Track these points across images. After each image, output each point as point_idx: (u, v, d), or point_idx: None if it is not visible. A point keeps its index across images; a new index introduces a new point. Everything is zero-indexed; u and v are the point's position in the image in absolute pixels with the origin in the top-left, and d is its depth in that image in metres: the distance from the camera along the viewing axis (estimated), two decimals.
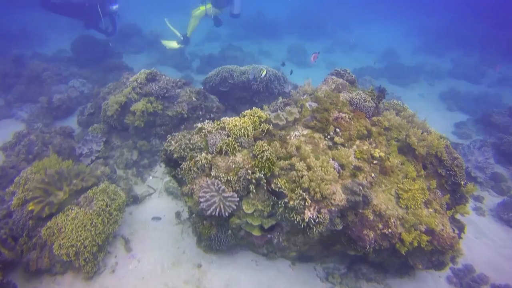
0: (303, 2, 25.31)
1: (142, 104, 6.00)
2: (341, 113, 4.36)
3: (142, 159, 6.61)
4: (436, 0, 27.79)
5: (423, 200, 4.21)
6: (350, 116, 4.43)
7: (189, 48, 15.64)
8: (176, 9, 23.60)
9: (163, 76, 6.66)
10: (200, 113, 6.58)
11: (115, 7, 10.39)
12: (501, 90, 14.13)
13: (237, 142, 4.05)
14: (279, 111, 4.66)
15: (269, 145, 3.97)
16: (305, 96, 5.31)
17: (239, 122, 4.16)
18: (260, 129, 4.18)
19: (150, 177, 6.35)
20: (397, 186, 4.28)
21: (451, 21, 22.90)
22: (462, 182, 4.53)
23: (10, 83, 9.28)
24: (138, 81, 6.18)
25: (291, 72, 8.43)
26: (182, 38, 10.77)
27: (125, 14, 18.01)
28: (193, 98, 6.48)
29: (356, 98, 4.68)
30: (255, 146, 3.94)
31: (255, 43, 17.68)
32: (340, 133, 4.21)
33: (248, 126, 4.15)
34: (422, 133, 4.80)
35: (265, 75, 7.29)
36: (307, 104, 4.77)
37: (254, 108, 4.56)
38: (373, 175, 4.05)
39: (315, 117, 4.38)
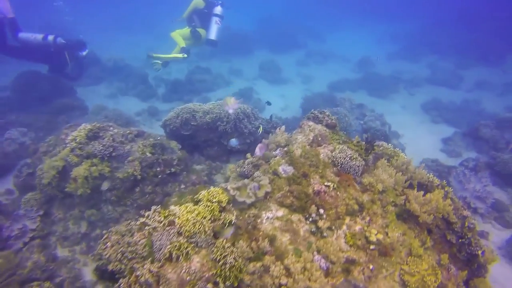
0: (271, 14, 24.70)
1: (84, 169, 4.90)
2: (323, 186, 3.43)
3: (93, 230, 5.48)
4: (406, 6, 27.75)
5: (436, 285, 3.33)
6: (335, 185, 3.50)
7: (154, 72, 14.56)
8: (134, 31, 22.53)
9: (110, 129, 5.57)
10: (158, 169, 5.53)
11: (84, 52, 9.31)
12: (480, 94, 13.81)
13: (191, 243, 3.04)
14: (246, 182, 3.68)
15: (234, 245, 2.99)
16: (277, 152, 4.37)
17: (193, 214, 3.16)
18: (221, 222, 3.19)
19: None
20: (401, 268, 3.38)
21: (423, 26, 22.75)
22: (479, 252, 3.68)
23: None
24: (78, 140, 5.07)
25: (269, 103, 7.53)
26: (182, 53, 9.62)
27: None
28: (147, 153, 5.42)
29: (340, 157, 3.78)
30: (215, 248, 2.95)
31: (224, 61, 16.74)
32: (324, 214, 3.27)
33: (205, 217, 3.15)
34: (424, 194, 3.94)
35: (234, 116, 6.36)
36: (280, 169, 3.82)
37: (212, 188, 3.56)
38: (371, 267, 3.12)
39: (292, 192, 3.43)
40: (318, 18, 27.12)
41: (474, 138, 9.56)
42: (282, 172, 3.79)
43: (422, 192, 3.73)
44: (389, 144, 4.77)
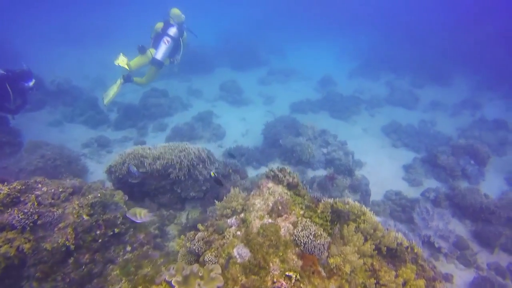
0: (232, 27, 24.39)
1: None
2: (283, 282, 2.92)
3: None
4: (361, 20, 28.72)
5: None
6: (297, 276, 3.02)
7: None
8: (83, 43, 21.07)
9: (38, 186, 4.71)
10: (98, 232, 4.76)
11: (31, 83, 8.24)
12: (434, 115, 14.38)
13: None
14: (194, 270, 3.09)
15: None
16: (233, 221, 3.83)
17: None
18: None
19: None
20: None
21: (378, 42, 23.60)
22: None
23: None
24: None
25: (233, 156, 6.97)
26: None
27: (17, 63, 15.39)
28: (84, 216, 4.64)
29: (303, 236, 3.32)
30: None
31: (183, 80, 16.02)
32: None
33: None
34: (393, 264, 3.61)
35: (187, 161, 5.75)
36: (235, 253, 3.28)
37: None
38: None
39: (246, 287, 2.90)
40: (279, 31, 27.31)
41: (433, 165, 9.69)
42: (237, 257, 3.25)
43: (393, 274, 3.35)
44: (355, 203, 4.41)
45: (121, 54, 8.68)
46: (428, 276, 3.82)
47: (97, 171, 8.45)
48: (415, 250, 4.14)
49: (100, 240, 4.77)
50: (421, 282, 3.38)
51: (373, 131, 12.57)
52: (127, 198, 5.64)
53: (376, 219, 6.33)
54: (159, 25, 9.34)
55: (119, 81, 8.89)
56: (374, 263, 3.61)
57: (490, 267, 6.59)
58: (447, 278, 6.17)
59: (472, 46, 20.17)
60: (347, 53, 23.78)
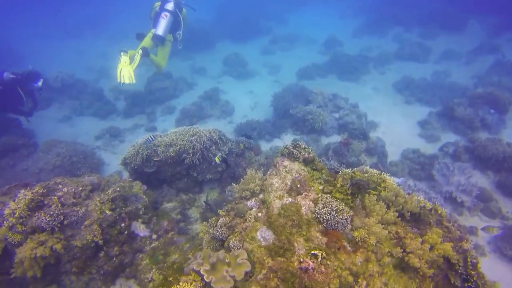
0: (228, 1, 23.36)
1: (30, 250, 4.17)
2: (310, 263, 2.93)
3: None
4: None
5: None
6: (323, 254, 3.02)
7: (113, 82, 13.41)
8: (82, 36, 20.64)
9: (59, 187, 4.80)
10: (123, 225, 4.87)
11: (40, 82, 8.23)
12: (448, 65, 13.77)
13: None
14: (221, 257, 3.14)
15: None
16: (252, 203, 3.83)
17: None
18: None
19: None
20: None
21: None
22: None
23: None
24: (17, 214, 4.29)
25: (249, 137, 6.82)
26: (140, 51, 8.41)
27: (21, 63, 15.26)
28: (107, 211, 4.74)
29: (325, 213, 3.28)
30: None
31: (185, 59, 15.67)
32: None
33: None
34: (418, 229, 3.58)
35: (199, 146, 5.72)
36: (259, 236, 3.30)
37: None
38: None
39: (275, 272, 2.93)
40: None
41: (450, 119, 9.41)
42: (262, 240, 3.27)
43: (419, 240, 3.32)
44: (374, 170, 4.32)
45: (122, 54, 7.74)
46: (454, 237, 3.78)
47: (113, 162, 8.56)
48: (439, 211, 4.08)
49: (126, 232, 4.90)
50: (448, 246, 3.35)
51: (385, 90, 12.20)
52: (145, 187, 5.72)
53: (396, 182, 6.27)
54: (157, 4, 9.03)
55: (138, 56, 8.04)
56: (399, 230, 3.58)
57: None
58: (472, 231, 6.15)
59: None
60: (351, 12, 22.61)
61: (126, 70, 7.53)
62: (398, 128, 9.63)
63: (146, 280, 4.47)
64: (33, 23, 22.91)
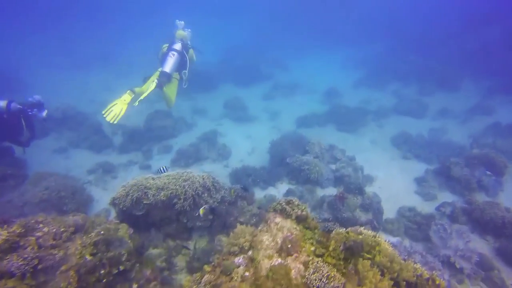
0: (236, 43, 24.50)
1: None
2: None
3: None
4: (363, 31, 28.57)
5: None
6: None
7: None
8: (89, 68, 21.32)
9: (39, 227, 4.57)
10: (102, 272, 4.57)
11: (44, 113, 8.33)
12: (444, 123, 13.96)
13: None
14: None
15: None
16: (240, 261, 3.63)
17: None
18: None
19: None
20: None
21: (382, 52, 23.40)
22: None
23: None
24: None
25: (247, 190, 6.65)
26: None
27: (25, 91, 15.54)
28: (87, 256, 4.47)
29: (315, 279, 3.09)
30: None
31: (187, 99, 15.96)
32: None
33: None
34: None
35: (191, 191, 5.60)
36: None
37: None
38: None
39: None
40: (282, 46, 27.27)
41: (446, 178, 9.35)
42: None
43: None
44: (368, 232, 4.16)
45: (128, 91, 7.87)
46: None
47: (103, 198, 8.34)
48: (437, 282, 3.86)
49: (104, 280, 4.58)
50: None
51: (382, 143, 12.29)
52: (132, 231, 5.46)
53: (392, 243, 6.06)
54: (165, 45, 9.48)
55: (153, 84, 8.28)
56: None
57: None
58: None
59: (480, 49, 19.72)
60: (352, 64, 23.60)
61: (118, 108, 7.57)
62: (395, 183, 9.54)
63: None
64: (39, 53, 23.69)
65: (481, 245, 7.15)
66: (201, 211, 5.30)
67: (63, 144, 11.20)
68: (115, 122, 7.48)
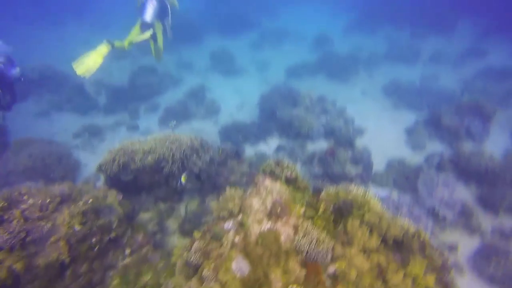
0: None
1: None
2: None
3: None
4: None
5: None
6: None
7: (94, 75, 12.84)
8: (62, 23, 19.75)
9: (23, 199, 4.47)
10: (93, 240, 4.59)
11: (17, 70, 7.39)
12: (437, 68, 13.69)
13: None
14: None
15: None
16: (230, 225, 3.63)
17: None
18: None
19: None
20: None
21: None
22: None
23: None
24: None
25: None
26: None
27: None
28: (76, 226, 4.45)
29: (304, 244, 3.11)
30: None
31: (171, 52, 15.16)
32: None
33: None
34: (400, 258, 3.45)
35: (179, 153, 5.47)
36: (234, 266, 3.10)
37: None
38: None
39: None
40: None
41: (436, 127, 9.38)
42: (237, 271, 3.07)
43: (401, 274, 3.19)
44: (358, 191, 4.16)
45: (105, 42, 6.89)
46: (436, 266, 3.67)
47: (91, 163, 8.19)
48: (422, 237, 3.97)
49: (96, 248, 4.62)
50: (430, 280, 3.23)
51: (373, 93, 12.09)
52: (121, 197, 5.42)
53: (381, 197, 6.16)
54: None
55: (148, 33, 7.61)
56: (381, 259, 3.44)
57: (494, 232, 6.51)
58: (452, 248, 6.12)
59: None
60: (343, 7, 22.36)
61: (91, 60, 6.63)
62: (385, 134, 9.54)
63: None
64: (12, 8, 21.79)
65: (465, 193, 7.37)
66: (182, 178, 5.20)
67: (44, 107, 10.74)
68: (87, 77, 6.75)
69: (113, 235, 4.81)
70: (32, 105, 10.85)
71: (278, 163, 4.06)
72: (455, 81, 12.58)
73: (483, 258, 5.75)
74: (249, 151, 8.72)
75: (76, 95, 10.90)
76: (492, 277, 5.55)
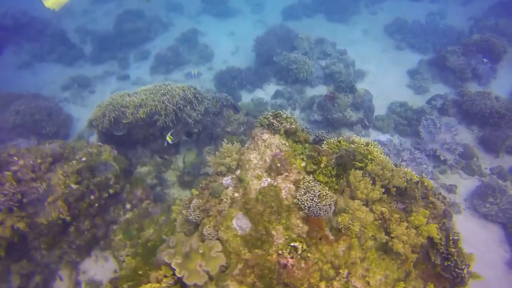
0: None
1: None
2: (289, 259, 2.72)
3: (30, 279, 4.65)
4: None
5: None
6: (304, 247, 2.82)
7: (77, 21, 12.02)
8: None
9: (14, 160, 4.30)
10: (92, 197, 4.54)
11: None
12: (444, 4, 12.75)
13: None
14: (194, 246, 2.91)
15: None
16: (228, 181, 3.53)
17: None
18: None
19: None
20: None
21: None
22: (464, 273, 3.34)
23: None
24: None
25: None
26: None
27: None
28: (72, 185, 4.35)
29: (306, 200, 3.01)
30: None
31: None
32: None
33: None
34: (407, 227, 3.38)
35: (172, 105, 5.19)
36: (234, 224, 3.05)
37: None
38: None
39: (252, 267, 2.73)
40: None
41: (441, 68, 8.96)
42: (238, 229, 3.03)
43: (404, 225, 3.15)
44: (361, 138, 3.99)
45: None
46: (438, 213, 3.66)
47: (83, 116, 7.89)
48: (425, 184, 3.91)
49: (96, 205, 4.59)
50: (433, 228, 3.21)
51: (375, 33, 11.39)
52: (116, 152, 5.29)
53: (382, 141, 6.03)
54: None
55: None
56: (384, 210, 3.39)
57: (493, 172, 6.54)
58: (451, 189, 6.18)
59: None
60: None
61: None
62: (386, 77, 9.16)
63: (120, 258, 4.30)
64: None
65: (466, 135, 7.27)
66: (168, 138, 4.96)
67: (25, 58, 10.09)
68: (57, 9, 6.03)
69: (111, 191, 4.75)
70: (11, 56, 10.17)
71: (276, 115, 3.81)
72: (463, 19, 11.79)
73: (480, 197, 5.81)
74: (246, 98, 8.41)
75: (58, 44, 10.19)
76: (486, 215, 5.68)
